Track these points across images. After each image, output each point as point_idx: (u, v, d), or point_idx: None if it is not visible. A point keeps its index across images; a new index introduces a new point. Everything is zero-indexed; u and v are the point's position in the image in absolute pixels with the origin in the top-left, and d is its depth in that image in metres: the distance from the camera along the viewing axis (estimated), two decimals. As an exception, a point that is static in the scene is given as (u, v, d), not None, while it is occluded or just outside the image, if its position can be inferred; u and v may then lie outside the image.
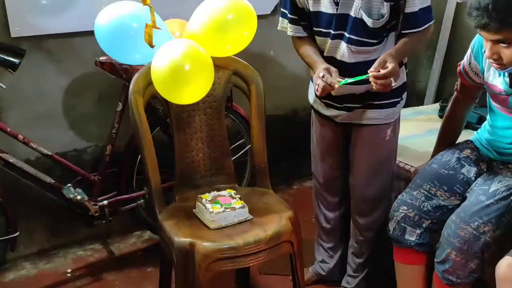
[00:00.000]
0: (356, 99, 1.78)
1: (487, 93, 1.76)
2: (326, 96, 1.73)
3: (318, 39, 1.77)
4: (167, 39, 1.76)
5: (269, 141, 1.99)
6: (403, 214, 1.72)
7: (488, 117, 1.82)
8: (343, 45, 1.70)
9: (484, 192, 1.61)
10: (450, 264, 1.59)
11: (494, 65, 1.54)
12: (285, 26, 1.84)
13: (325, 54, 1.75)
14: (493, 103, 1.73)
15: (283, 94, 2.84)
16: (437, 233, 1.69)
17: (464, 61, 1.77)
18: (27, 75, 2.17)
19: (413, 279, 1.77)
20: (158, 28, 1.59)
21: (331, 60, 1.73)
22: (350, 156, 1.90)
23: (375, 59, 1.64)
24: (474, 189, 1.67)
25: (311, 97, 1.93)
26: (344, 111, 1.81)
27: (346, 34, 1.68)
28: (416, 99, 3.39)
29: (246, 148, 2.50)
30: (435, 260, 1.64)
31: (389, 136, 1.84)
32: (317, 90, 1.64)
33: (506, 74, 1.62)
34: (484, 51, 1.55)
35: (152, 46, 1.60)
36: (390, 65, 1.57)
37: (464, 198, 1.70)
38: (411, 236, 1.70)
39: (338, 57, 1.73)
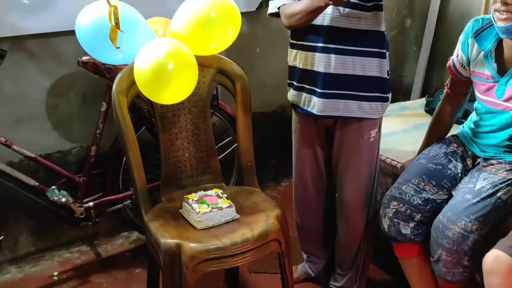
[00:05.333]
0: (335, 84, 1.73)
1: (474, 88, 1.77)
2: (305, 80, 1.75)
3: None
4: (150, 38, 1.74)
5: (257, 139, 1.98)
6: (394, 209, 1.72)
7: (474, 113, 1.83)
8: (329, 8, 1.65)
9: (470, 190, 1.62)
10: (443, 264, 1.60)
11: (501, 15, 1.51)
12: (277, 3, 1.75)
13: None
14: (479, 95, 1.74)
15: (270, 91, 2.83)
16: (428, 225, 1.69)
17: (453, 55, 1.80)
18: (8, 76, 2.14)
19: (420, 271, 1.78)
20: (121, 30, 1.56)
21: (315, 27, 1.69)
22: (333, 160, 1.89)
23: (365, 30, 1.64)
24: (460, 187, 1.67)
25: (291, 95, 1.88)
26: (322, 98, 1.75)
27: None
28: (402, 94, 3.41)
29: (233, 147, 2.49)
30: (431, 259, 1.65)
31: (373, 138, 1.83)
32: None
33: (494, 60, 1.64)
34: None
35: (116, 47, 1.58)
36: None
37: (451, 193, 1.71)
38: (406, 230, 1.70)
39: (325, 22, 1.68)
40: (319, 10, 1.60)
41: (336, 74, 1.72)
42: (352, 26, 1.68)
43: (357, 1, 1.65)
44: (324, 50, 1.71)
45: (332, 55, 1.70)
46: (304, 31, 1.74)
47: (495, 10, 1.53)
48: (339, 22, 1.67)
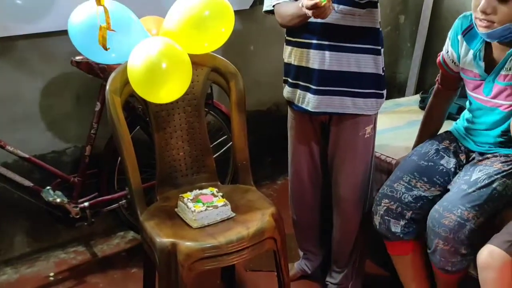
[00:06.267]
0: (330, 80, 1.73)
1: (464, 84, 1.78)
2: (299, 77, 1.75)
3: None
4: (143, 37, 1.74)
5: (252, 137, 1.97)
6: (385, 207, 1.72)
7: (466, 107, 1.84)
8: None
9: (465, 181, 1.63)
10: (440, 254, 1.60)
11: (482, 23, 1.54)
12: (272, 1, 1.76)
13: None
14: (469, 92, 1.75)
15: (265, 89, 2.83)
16: (420, 222, 1.71)
17: (443, 50, 1.80)
18: (1, 76, 2.13)
19: (412, 268, 1.79)
20: (112, 30, 1.56)
21: (309, 24, 1.68)
22: (329, 156, 1.90)
23: (360, 27, 1.64)
24: (456, 181, 1.68)
25: (286, 92, 1.89)
26: (316, 95, 1.75)
27: None
28: (397, 91, 3.41)
29: (228, 145, 2.49)
30: (428, 251, 1.66)
31: (368, 134, 1.83)
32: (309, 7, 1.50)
33: (482, 59, 1.65)
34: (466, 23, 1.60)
35: (106, 49, 1.58)
36: None
37: (444, 189, 1.72)
38: (396, 228, 1.71)
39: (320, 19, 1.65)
40: (306, 16, 1.60)
41: (331, 71, 1.72)
42: (346, 23, 1.68)
43: None
44: (319, 47, 1.71)
45: (327, 52, 1.70)
46: (299, 28, 1.73)
47: (476, 18, 1.57)
48: (334, 19, 1.67)
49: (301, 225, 2.09)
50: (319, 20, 1.68)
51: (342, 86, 1.74)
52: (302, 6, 1.54)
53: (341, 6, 1.66)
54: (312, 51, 1.72)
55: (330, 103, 1.76)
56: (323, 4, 1.47)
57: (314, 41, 1.71)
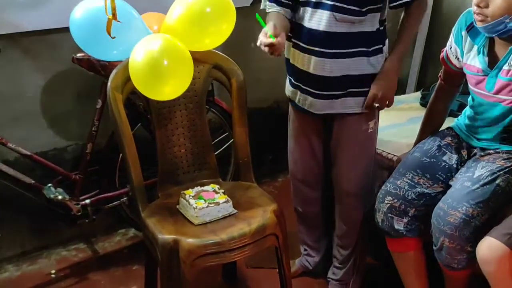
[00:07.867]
0: (331, 85, 1.74)
1: (467, 79, 1.78)
2: (301, 80, 1.77)
3: (298, 12, 1.74)
4: (144, 34, 1.74)
5: (253, 134, 1.98)
6: (388, 204, 1.72)
7: (468, 104, 1.84)
8: (325, 14, 1.66)
9: (468, 178, 1.63)
10: (446, 251, 1.61)
11: (478, 17, 1.57)
12: (266, 4, 1.80)
13: (306, 25, 1.71)
14: (471, 87, 1.75)
15: (265, 86, 2.82)
16: (422, 219, 1.71)
17: (447, 46, 1.81)
18: (2, 74, 2.13)
19: (412, 265, 1.80)
20: (118, 21, 1.58)
21: (311, 31, 1.70)
22: (332, 150, 1.89)
23: (359, 32, 1.66)
24: (458, 177, 1.68)
25: (288, 90, 1.90)
26: (319, 99, 1.76)
27: (329, 2, 1.64)
28: (397, 88, 3.41)
29: (229, 142, 2.49)
30: (434, 248, 1.66)
31: (371, 129, 1.84)
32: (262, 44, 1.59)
33: (486, 54, 1.65)
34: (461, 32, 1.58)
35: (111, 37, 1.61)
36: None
37: (446, 185, 1.72)
38: (399, 225, 1.71)
39: (321, 27, 1.68)
40: None
41: (332, 77, 1.72)
42: (345, 30, 1.67)
43: (349, 6, 1.64)
44: (320, 55, 1.70)
45: (327, 59, 1.70)
46: (299, 32, 1.74)
47: (474, 13, 1.59)
48: (333, 27, 1.67)
49: (303, 217, 2.09)
50: (320, 28, 1.68)
51: (343, 89, 1.75)
52: (260, 43, 1.58)
53: (343, 16, 1.65)
54: (313, 57, 1.72)
55: (332, 105, 1.77)
56: (273, 41, 1.54)
57: (316, 49, 1.70)
